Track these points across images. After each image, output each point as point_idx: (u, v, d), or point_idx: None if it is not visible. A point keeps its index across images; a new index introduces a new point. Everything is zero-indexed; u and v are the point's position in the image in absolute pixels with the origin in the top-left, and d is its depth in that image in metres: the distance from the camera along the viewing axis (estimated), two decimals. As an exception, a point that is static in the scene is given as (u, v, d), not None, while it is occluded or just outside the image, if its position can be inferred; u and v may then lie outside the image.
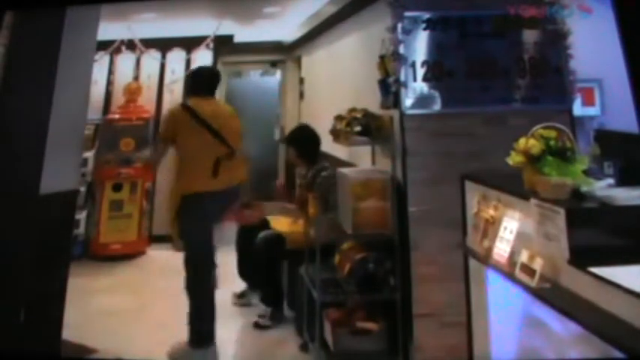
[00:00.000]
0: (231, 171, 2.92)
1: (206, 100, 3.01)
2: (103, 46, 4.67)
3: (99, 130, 4.62)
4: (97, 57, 4.38)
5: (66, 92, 2.63)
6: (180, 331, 2.87)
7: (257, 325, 3.24)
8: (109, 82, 4.90)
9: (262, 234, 3.35)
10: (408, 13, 2.71)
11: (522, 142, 1.78)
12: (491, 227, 1.95)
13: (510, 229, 1.84)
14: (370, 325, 2.75)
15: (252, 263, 3.45)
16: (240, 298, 3.55)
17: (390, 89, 2.78)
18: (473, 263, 2.15)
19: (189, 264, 2.91)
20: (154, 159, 3.68)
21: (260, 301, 3.38)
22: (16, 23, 2.56)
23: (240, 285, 3.59)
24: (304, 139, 3.41)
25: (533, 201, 1.71)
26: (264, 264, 3.33)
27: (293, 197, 3.53)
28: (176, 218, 2.90)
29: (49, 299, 2.62)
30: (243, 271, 3.55)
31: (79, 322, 2.91)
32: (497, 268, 1.88)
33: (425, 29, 2.72)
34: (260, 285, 3.43)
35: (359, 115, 3.03)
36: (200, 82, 3.08)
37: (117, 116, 4.67)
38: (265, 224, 3.49)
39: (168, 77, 5.01)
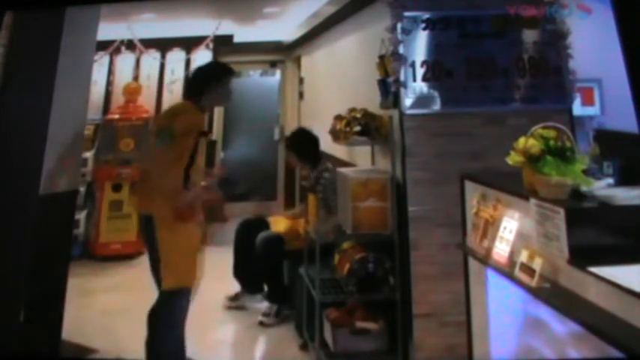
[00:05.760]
0: None
1: None
2: (103, 46, 4.67)
3: (99, 130, 4.62)
4: (96, 57, 4.38)
5: (66, 92, 2.63)
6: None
7: (262, 324, 3.24)
8: (109, 82, 4.90)
9: (261, 235, 3.36)
10: (407, 13, 2.71)
11: (522, 141, 1.78)
12: (490, 227, 1.95)
13: (510, 229, 1.84)
14: (370, 325, 2.74)
15: (248, 264, 3.44)
16: (233, 301, 3.52)
17: (389, 89, 2.78)
18: (473, 263, 2.15)
19: None
20: None
21: (265, 298, 3.38)
22: (16, 23, 2.56)
23: (234, 287, 3.54)
24: (303, 142, 3.41)
25: (532, 201, 1.71)
26: (266, 264, 3.34)
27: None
28: None
29: (49, 299, 2.63)
30: (239, 271, 3.53)
31: (79, 322, 2.91)
32: (496, 267, 1.88)
33: (424, 29, 2.72)
34: (261, 284, 3.43)
35: (358, 115, 3.03)
36: None
37: (116, 116, 4.67)
38: (264, 224, 3.50)
39: (167, 77, 5.00)
